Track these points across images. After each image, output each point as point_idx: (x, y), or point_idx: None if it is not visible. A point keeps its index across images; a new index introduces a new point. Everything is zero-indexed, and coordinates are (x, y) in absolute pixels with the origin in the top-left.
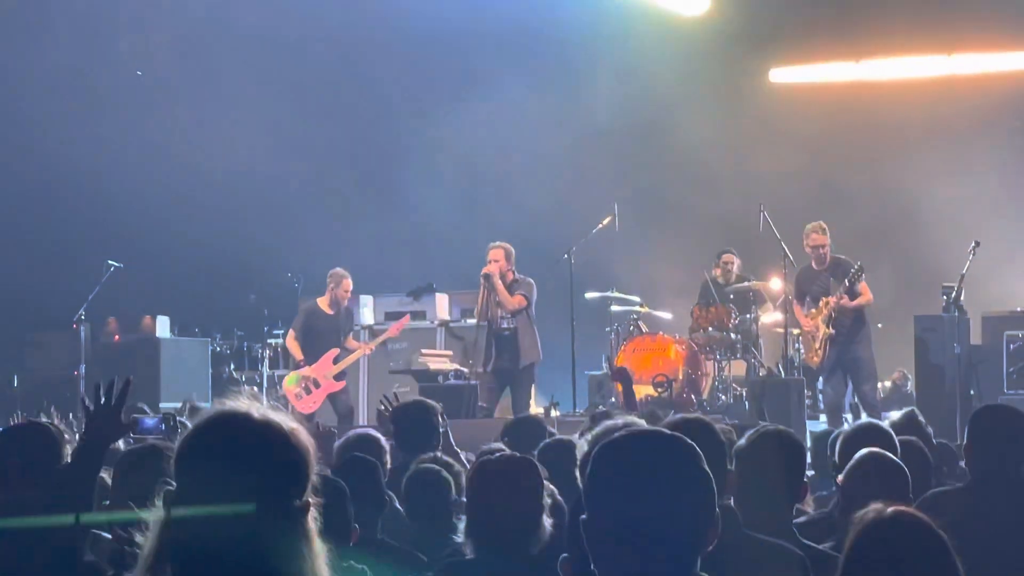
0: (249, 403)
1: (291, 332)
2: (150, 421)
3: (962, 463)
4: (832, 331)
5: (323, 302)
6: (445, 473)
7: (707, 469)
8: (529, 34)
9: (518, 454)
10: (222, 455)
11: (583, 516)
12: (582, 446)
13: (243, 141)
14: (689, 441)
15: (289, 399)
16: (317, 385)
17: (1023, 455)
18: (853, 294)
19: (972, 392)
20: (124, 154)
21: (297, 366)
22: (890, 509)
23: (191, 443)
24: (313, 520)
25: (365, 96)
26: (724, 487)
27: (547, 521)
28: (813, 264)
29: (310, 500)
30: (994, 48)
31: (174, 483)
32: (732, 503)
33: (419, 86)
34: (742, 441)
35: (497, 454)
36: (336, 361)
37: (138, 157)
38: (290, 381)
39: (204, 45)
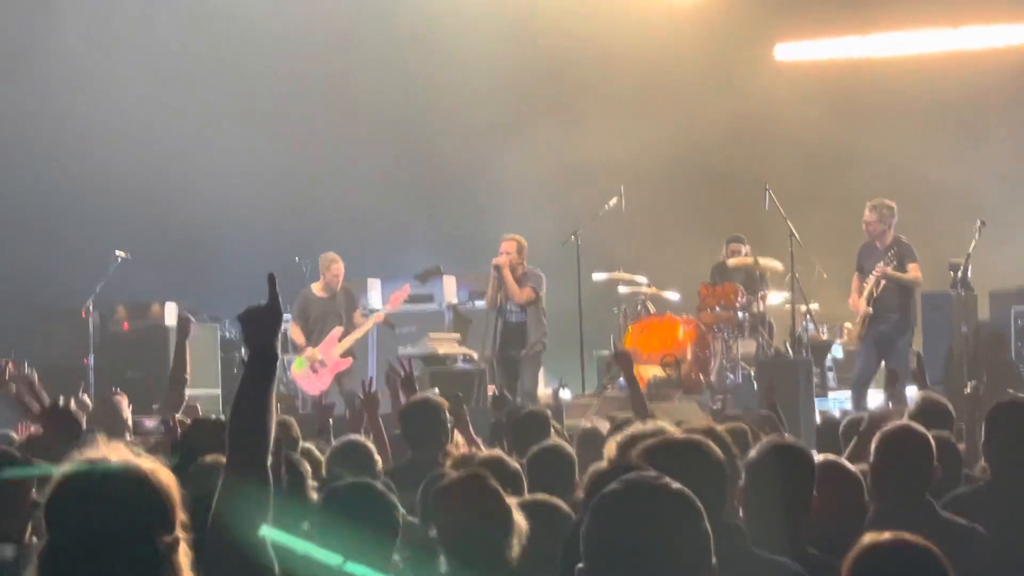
0: (107, 449)
1: (292, 321)
2: (150, 423)
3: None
4: (870, 309)
5: (316, 287)
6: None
7: (707, 527)
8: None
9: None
10: (85, 503)
11: (580, 565)
12: (611, 449)
13: (252, 126)
14: (691, 498)
15: (299, 383)
16: (324, 365)
17: None
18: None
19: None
20: (130, 142)
21: (300, 350)
22: (887, 536)
23: (55, 495)
24: (184, 555)
25: (374, 80)
26: (724, 506)
27: (521, 527)
28: (874, 242)
29: (179, 536)
30: (1000, 20)
31: (45, 534)
32: (741, 515)
33: (420, 75)
34: (752, 453)
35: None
36: (341, 339)
37: (144, 144)
38: (298, 365)
39: (212, 35)
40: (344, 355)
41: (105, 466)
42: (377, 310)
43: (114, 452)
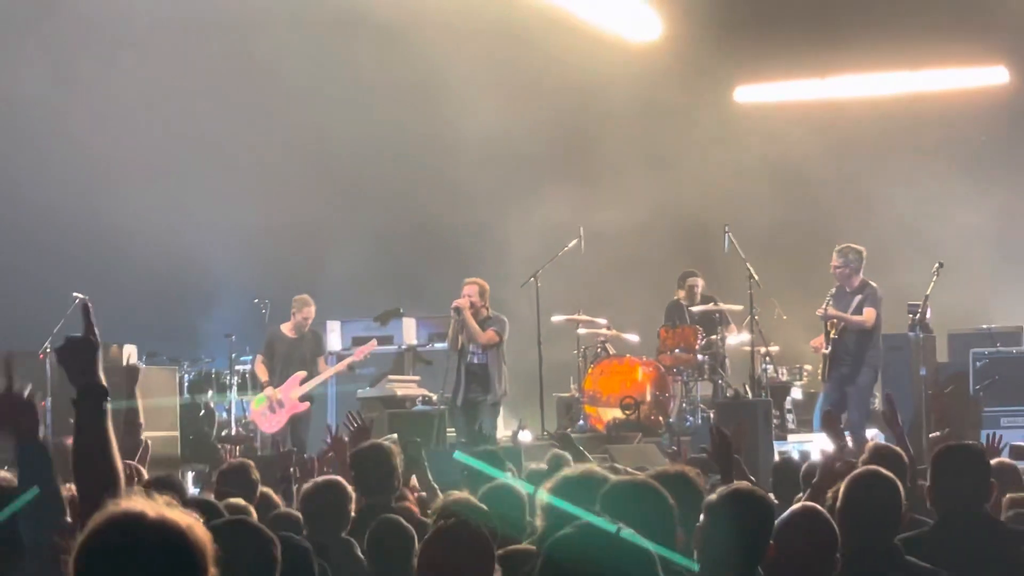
0: (144, 502)
1: (258, 357)
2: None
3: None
4: (827, 350)
5: (286, 327)
6: (405, 524)
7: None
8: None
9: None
10: (118, 558)
11: None
12: (542, 497)
13: (213, 169)
14: (644, 547)
15: (255, 420)
16: (282, 405)
17: (986, 493)
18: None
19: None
20: (90, 183)
21: (262, 387)
22: None
23: (88, 547)
24: None
25: (334, 125)
26: (675, 547)
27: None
28: (844, 286)
29: None
30: (959, 63)
31: None
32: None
33: (380, 109)
34: (712, 496)
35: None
36: (303, 383)
37: (104, 187)
38: (257, 402)
39: (163, 67)
40: (303, 399)
41: (142, 520)
42: (336, 351)
43: (149, 504)
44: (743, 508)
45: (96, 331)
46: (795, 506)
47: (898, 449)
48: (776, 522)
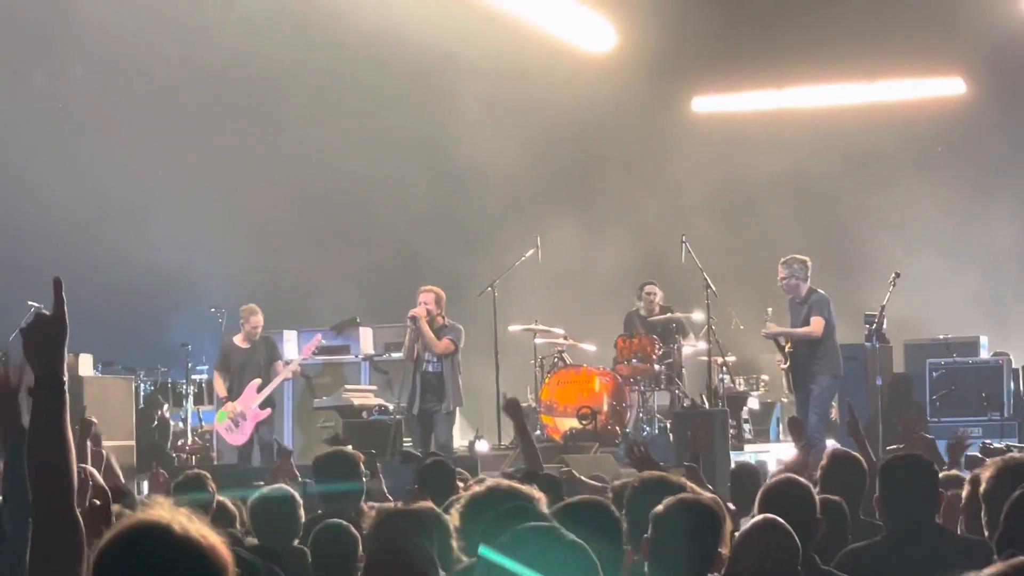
0: (171, 514)
1: (215, 371)
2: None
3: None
4: (785, 364)
5: (238, 338)
6: (352, 530)
7: None
8: (442, 66)
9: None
10: (141, 570)
11: None
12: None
13: (170, 180)
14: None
15: (221, 434)
16: (245, 418)
17: (934, 505)
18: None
19: (899, 428)
20: (40, 191)
21: (222, 403)
22: None
23: (109, 553)
24: None
25: (290, 128)
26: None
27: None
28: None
29: None
30: (916, 74)
31: None
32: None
33: (336, 116)
34: (659, 507)
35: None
36: (259, 390)
37: (54, 193)
38: (220, 418)
39: (117, 76)
40: (263, 406)
41: (169, 534)
42: (292, 359)
43: (176, 516)
44: (689, 516)
45: (66, 312)
46: (755, 519)
47: (857, 455)
48: (736, 535)
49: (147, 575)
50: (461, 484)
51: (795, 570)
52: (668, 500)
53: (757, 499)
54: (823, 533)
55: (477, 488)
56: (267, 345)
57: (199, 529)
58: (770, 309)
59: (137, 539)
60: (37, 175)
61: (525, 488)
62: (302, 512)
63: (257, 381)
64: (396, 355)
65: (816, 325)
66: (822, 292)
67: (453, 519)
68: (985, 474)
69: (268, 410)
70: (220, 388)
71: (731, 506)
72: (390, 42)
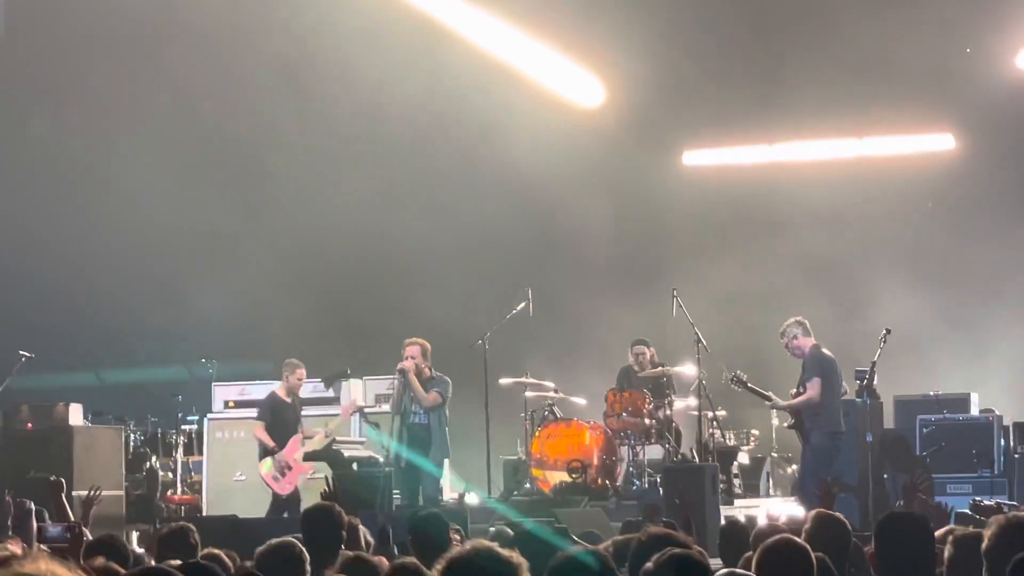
0: (46, 566)
1: (259, 423)
2: (54, 530)
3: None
4: (787, 423)
5: (281, 391)
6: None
7: None
8: (437, 119)
9: None
10: None
11: None
12: None
13: (154, 225)
14: None
15: (268, 483)
16: (290, 468)
17: (931, 561)
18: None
19: (885, 476)
20: (30, 241)
21: (269, 452)
22: None
23: None
24: None
25: (280, 179)
26: None
27: None
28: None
29: None
30: (904, 131)
31: None
32: None
33: (329, 171)
34: (649, 564)
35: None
36: (302, 443)
37: (48, 243)
38: (265, 467)
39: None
40: (305, 460)
41: None
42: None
43: (47, 565)
44: (679, 571)
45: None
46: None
47: (840, 516)
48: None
49: None
50: (456, 537)
51: None
52: (656, 557)
53: (755, 557)
54: None
55: (460, 551)
56: (299, 402)
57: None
58: (739, 371)
59: None
60: (34, 224)
61: (506, 553)
62: (308, 565)
63: (299, 436)
64: (386, 407)
65: (812, 389)
66: (820, 350)
67: None
68: (987, 532)
69: (312, 465)
70: (267, 439)
71: (720, 562)
72: (387, 94)
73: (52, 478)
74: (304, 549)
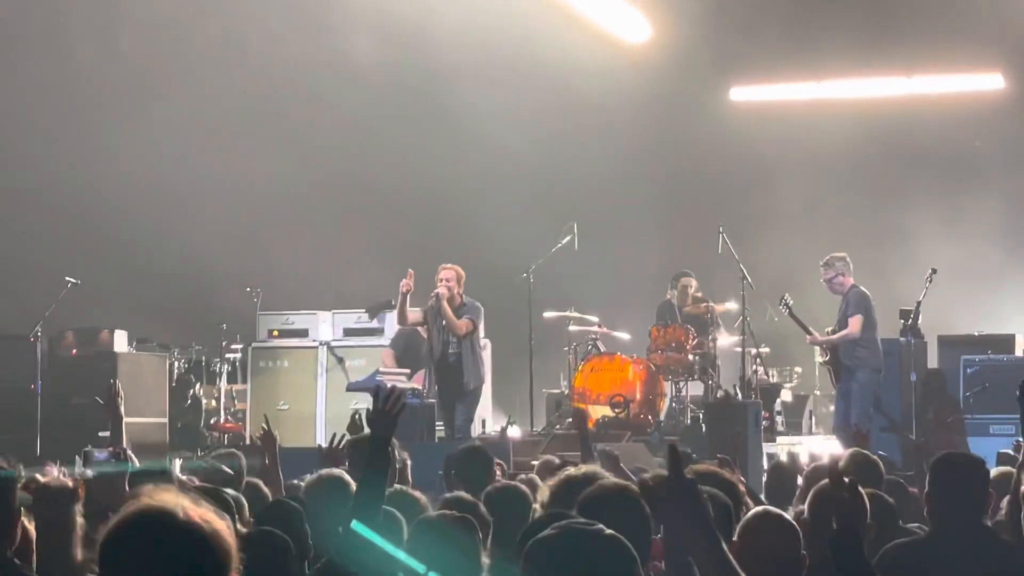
0: (176, 499)
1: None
2: (101, 455)
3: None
4: (826, 358)
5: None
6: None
7: (639, 573)
8: (488, 61)
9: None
10: (143, 556)
11: None
12: (543, 493)
13: (205, 152)
14: (623, 543)
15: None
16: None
17: (984, 504)
18: (843, 325)
19: (929, 416)
20: (82, 168)
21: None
22: None
23: (114, 536)
24: None
25: (327, 114)
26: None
27: None
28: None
29: None
30: (953, 70)
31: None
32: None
33: (378, 103)
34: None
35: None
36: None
37: (96, 171)
38: None
39: (165, 53)
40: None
41: (172, 520)
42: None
43: (182, 501)
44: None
45: None
46: (753, 511)
47: (875, 458)
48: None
49: (150, 560)
50: (498, 472)
51: (798, 562)
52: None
53: (808, 501)
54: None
55: (573, 471)
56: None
57: (203, 515)
58: (787, 295)
59: (141, 524)
60: (78, 153)
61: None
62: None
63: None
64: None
65: (854, 325)
66: (860, 288)
67: (542, 493)
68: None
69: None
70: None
71: (762, 498)
72: (424, 28)
73: (113, 386)
74: (351, 482)
